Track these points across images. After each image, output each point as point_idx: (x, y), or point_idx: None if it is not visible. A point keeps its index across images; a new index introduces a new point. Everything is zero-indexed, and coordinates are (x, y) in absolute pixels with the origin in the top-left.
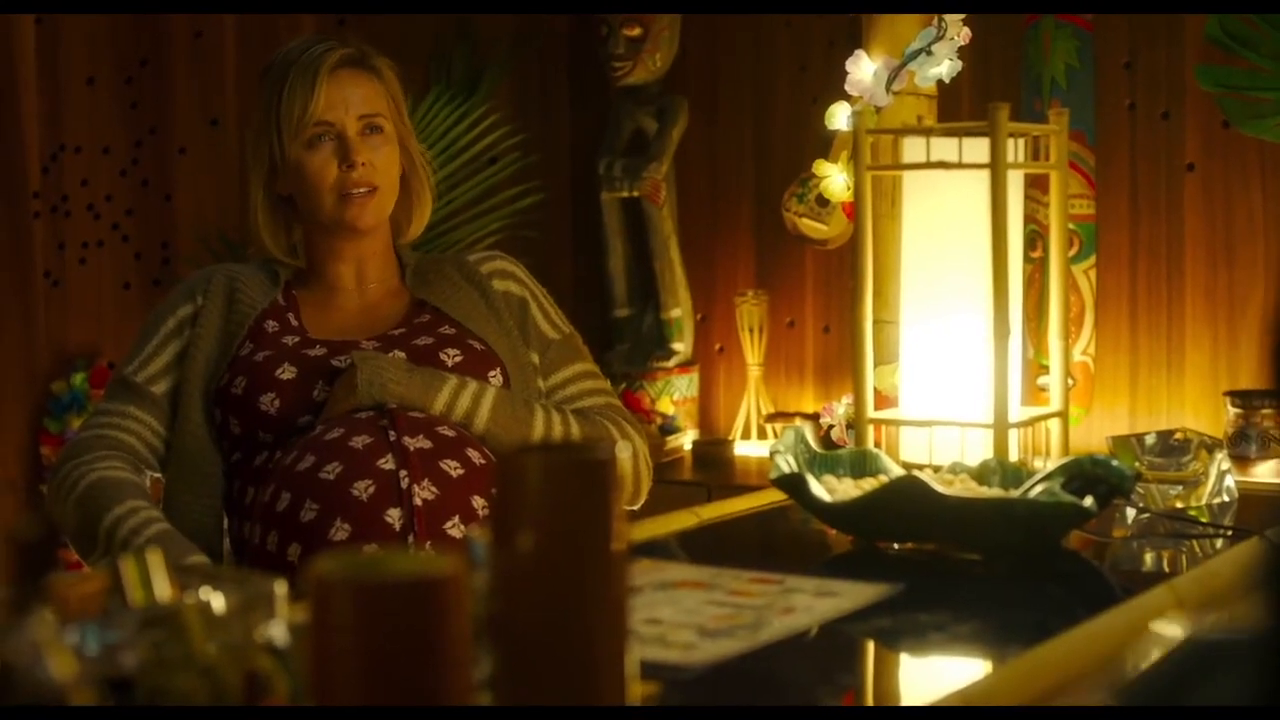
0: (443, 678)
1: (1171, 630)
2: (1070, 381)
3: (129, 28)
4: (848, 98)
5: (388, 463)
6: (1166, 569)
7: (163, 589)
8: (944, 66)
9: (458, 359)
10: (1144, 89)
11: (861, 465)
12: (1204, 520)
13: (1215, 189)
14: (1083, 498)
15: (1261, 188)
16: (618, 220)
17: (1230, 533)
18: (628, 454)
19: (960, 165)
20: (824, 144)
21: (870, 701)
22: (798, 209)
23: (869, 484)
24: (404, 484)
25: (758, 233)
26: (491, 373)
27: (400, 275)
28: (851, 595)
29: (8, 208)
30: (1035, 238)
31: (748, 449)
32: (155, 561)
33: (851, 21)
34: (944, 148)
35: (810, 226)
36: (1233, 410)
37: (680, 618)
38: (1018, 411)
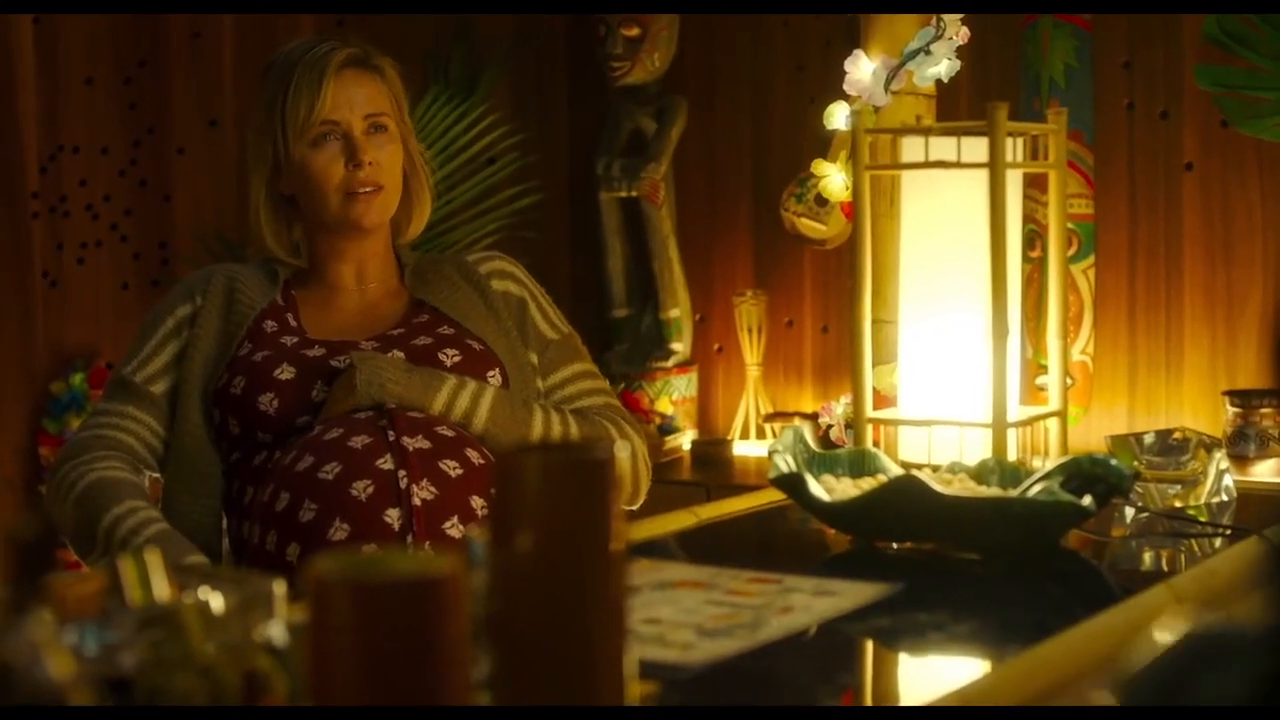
0: (441, 678)
1: (1170, 630)
2: (1069, 381)
3: (127, 28)
4: (846, 97)
5: (387, 463)
6: (1165, 568)
7: (161, 589)
8: (942, 66)
9: (456, 359)
10: (1142, 88)
11: (860, 465)
12: (1203, 519)
13: (1214, 188)
14: (1081, 497)
15: (1260, 187)
16: (616, 220)
17: (1229, 532)
18: (626, 454)
19: (959, 165)
20: (822, 144)
21: (869, 701)
22: (796, 209)
23: (868, 483)
24: (403, 484)
25: (756, 232)
26: (490, 373)
27: (399, 275)
28: (850, 595)
29: (6, 208)
30: (1034, 237)
31: (746, 449)
32: (154, 561)
33: (849, 21)
34: (942, 147)
35: (809, 226)
36: (1231, 409)
37: (679, 617)
38: (1016, 411)
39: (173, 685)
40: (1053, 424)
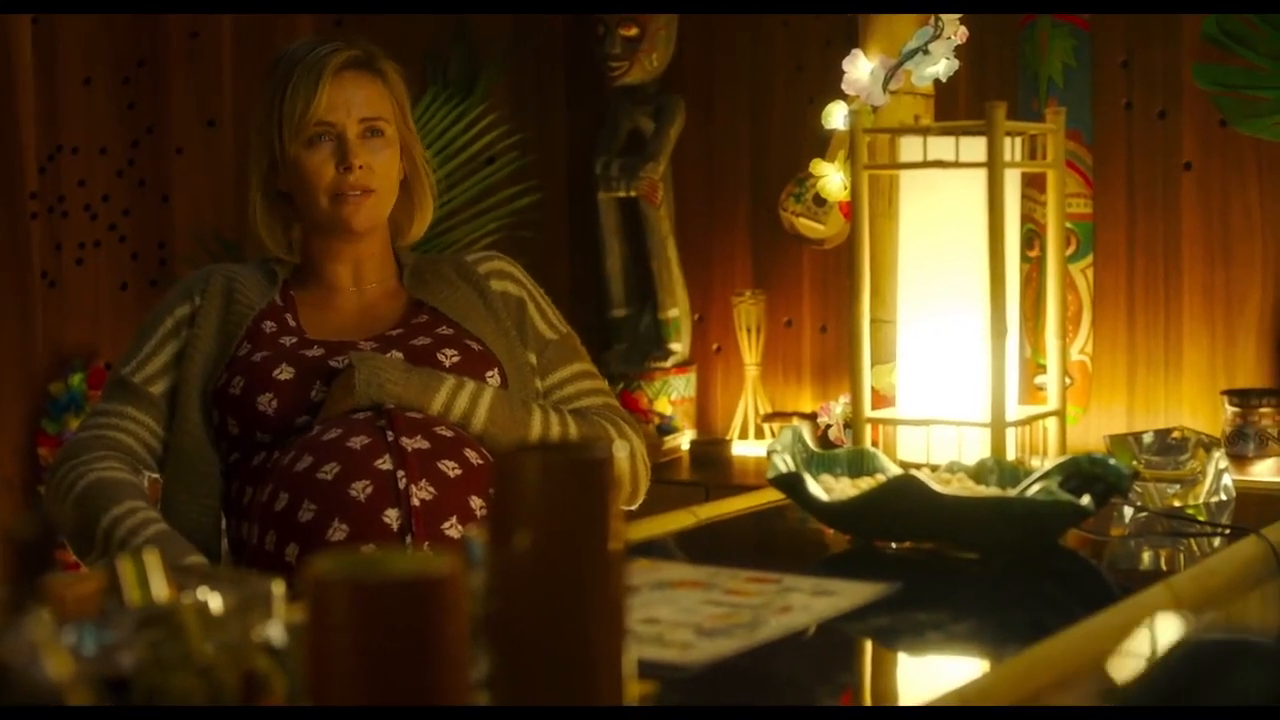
0: (440, 677)
1: (1170, 631)
2: (1068, 380)
3: (126, 28)
4: (844, 97)
5: (385, 463)
6: (1164, 568)
7: (160, 589)
8: (941, 66)
9: (455, 359)
10: (1141, 88)
11: (859, 464)
12: (1201, 519)
13: (1212, 188)
14: (1080, 496)
15: (1259, 186)
16: (615, 220)
17: (1228, 531)
18: (625, 454)
19: (957, 164)
20: (821, 143)
21: (868, 700)
22: (795, 208)
23: (866, 483)
24: (402, 484)
25: (755, 232)
26: (489, 373)
27: (398, 276)
28: (849, 594)
29: (5, 208)
30: (1032, 237)
31: (745, 449)
32: (153, 562)
33: (848, 21)
34: (941, 147)
35: (807, 226)
36: (1230, 409)
37: (678, 617)
38: (1015, 410)
39: (171, 685)
40: (1051, 423)
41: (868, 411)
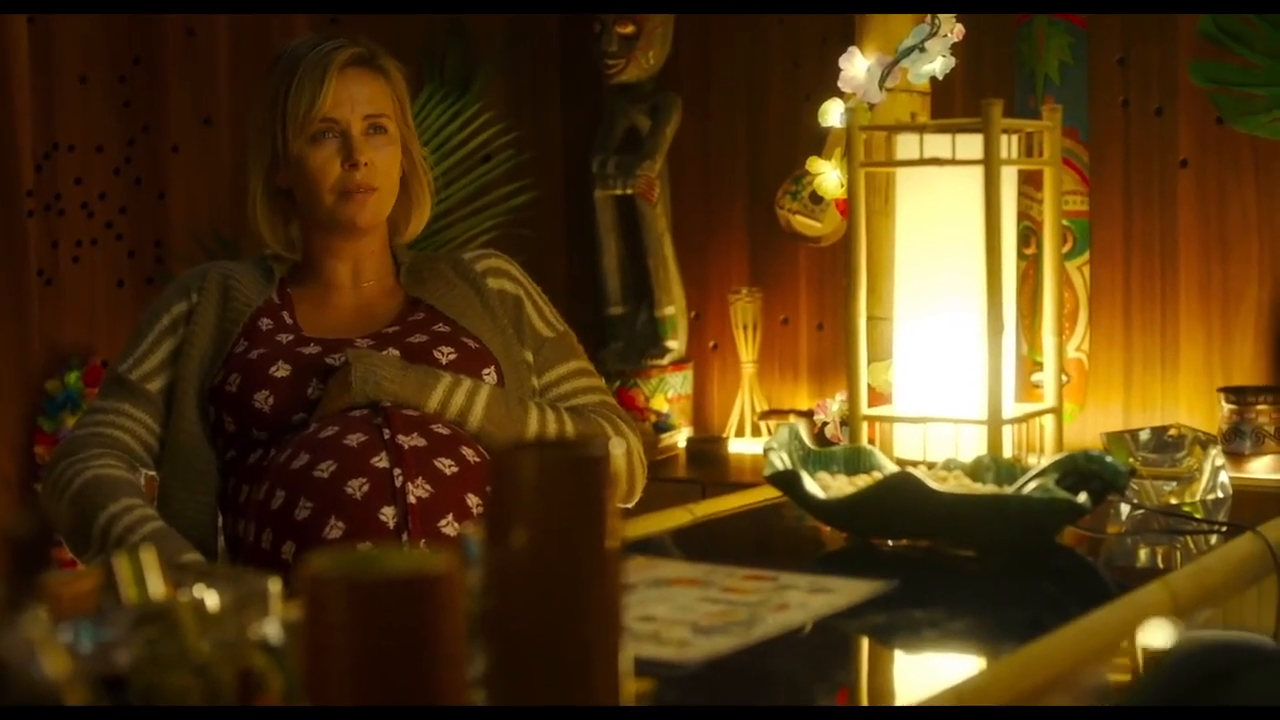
0: (437, 675)
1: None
2: (1064, 378)
3: (122, 26)
4: (841, 94)
5: (382, 461)
6: (1161, 565)
7: (156, 587)
8: (937, 63)
9: (452, 357)
10: (1137, 85)
11: (855, 462)
12: (1198, 516)
13: (1209, 185)
14: (1077, 494)
15: (1255, 183)
16: (611, 218)
17: (1224, 529)
18: (622, 451)
19: (954, 162)
20: (817, 141)
21: (864, 698)
22: (791, 206)
23: (863, 481)
24: (398, 482)
25: (751, 230)
26: (485, 370)
27: (395, 274)
28: (846, 592)
29: (1, 206)
30: (1029, 234)
31: (742, 446)
32: (149, 559)
33: (845, 18)
34: (937, 144)
35: (804, 223)
36: (1227, 406)
37: (674, 614)
38: (1012, 408)
39: (168, 683)
40: (1048, 421)
41: (864, 409)
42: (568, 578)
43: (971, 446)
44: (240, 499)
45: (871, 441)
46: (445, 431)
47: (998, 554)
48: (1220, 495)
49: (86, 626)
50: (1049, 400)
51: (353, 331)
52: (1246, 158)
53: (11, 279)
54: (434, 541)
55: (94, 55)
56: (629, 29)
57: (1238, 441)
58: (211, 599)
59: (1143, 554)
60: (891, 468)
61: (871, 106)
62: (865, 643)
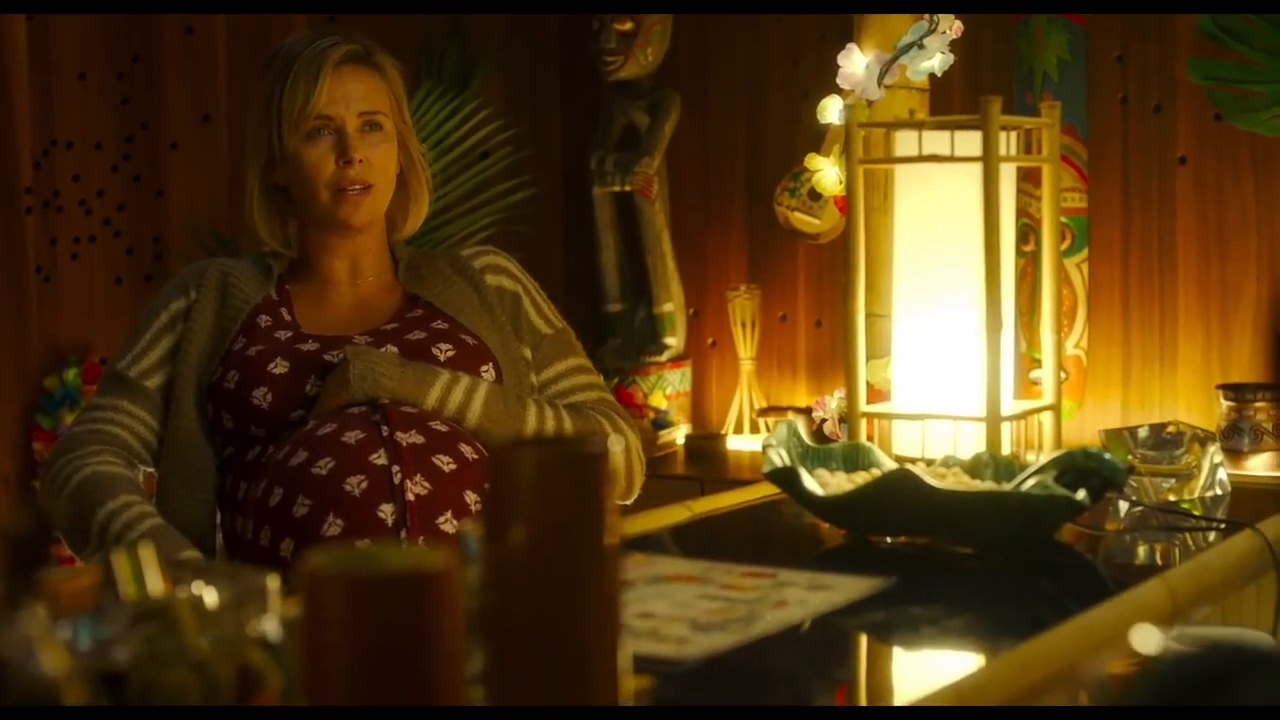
0: (435, 672)
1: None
2: (1063, 375)
3: (120, 24)
4: (839, 91)
5: (380, 458)
6: (1159, 562)
7: (155, 584)
8: (936, 60)
9: (450, 354)
10: (1136, 82)
11: (854, 459)
12: (1196, 513)
13: (1207, 182)
14: (1075, 491)
15: (1253, 181)
16: (610, 215)
17: (1223, 526)
18: (620, 448)
19: (952, 159)
20: (816, 138)
21: (863, 695)
22: (790, 203)
23: (861, 478)
24: (396, 479)
25: (750, 227)
26: (484, 367)
27: (394, 270)
28: (844, 589)
29: None
30: (1027, 231)
31: (740, 443)
32: (148, 556)
33: (843, 15)
34: (936, 141)
35: (802, 220)
36: (1225, 403)
37: (673, 611)
38: (1010, 405)
39: (166, 680)
40: (1046, 418)
41: (863, 406)
42: (566, 574)
43: (970, 443)
44: (239, 496)
45: (870, 438)
46: (444, 428)
47: (996, 551)
48: (1219, 492)
49: (85, 623)
50: (1047, 397)
51: (351, 328)
52: (1245, 155)
53: (10, 276)
54: (433, 539)
55: (93, 53)
56: (627, 26)
57: (1236, 439)
58: (210, 596)
59: (1141, 551)
60: (890, 465)
61: (870, 103)
62: (864, 640)
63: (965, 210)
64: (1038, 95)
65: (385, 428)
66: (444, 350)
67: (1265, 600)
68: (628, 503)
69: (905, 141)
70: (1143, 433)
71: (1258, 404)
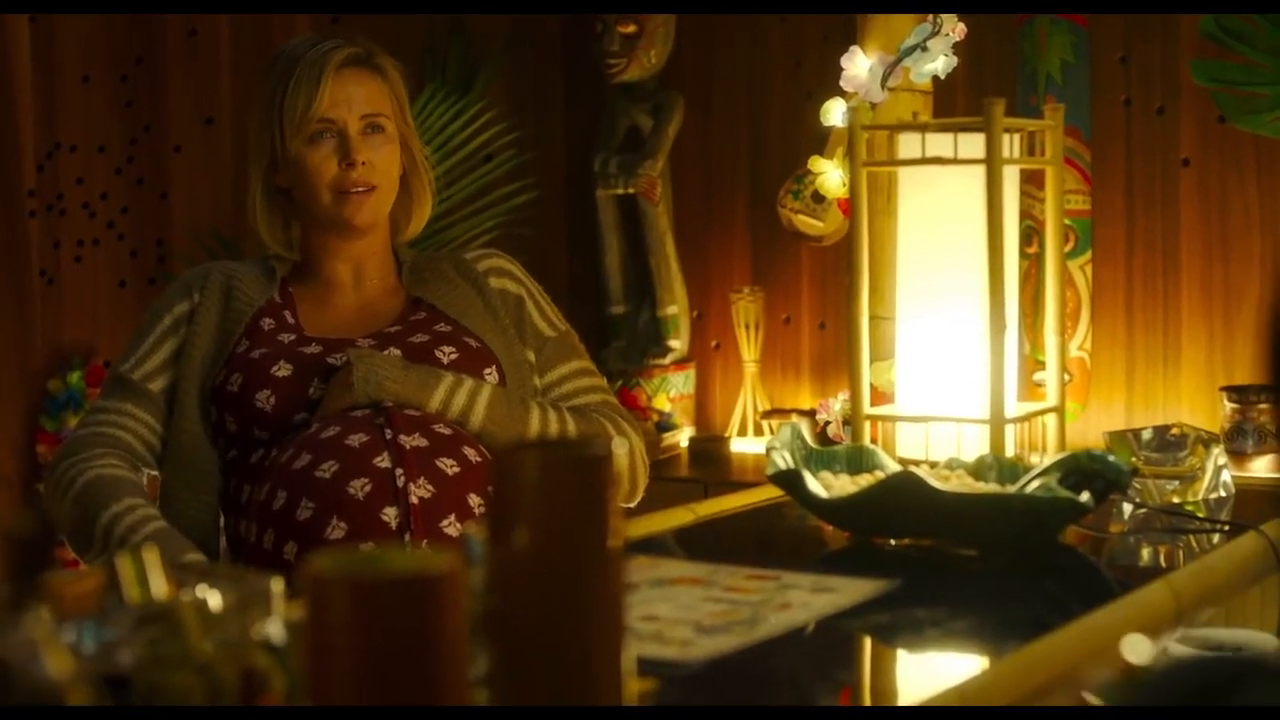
0: (439, 675)
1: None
2: (1066, 377)
3: (123, 26)
4: (843, 94)
5: (384, 461)
6: (1163, 564)
7: (159, 587)
8: (939, 62)
9: (453, 356)
10: (1139, 84)
11: (858, 461)
12: (1200, 515)
13: (1211, 184)
14: (1079, 493)
15: (1257, 182)
16: (613, 217)
17: (1227, 528)
18: (624, 451)
19: (956, 161)
20: (819, 140)
21: (867, 697)
22: (793, 205)
23: (865, 480)
24: (400, 482)
25: (753, 229)
26: (487, 370)
27: (397, 273)
28: (848, 591)
29: (3, 206)
30: (1031, 233)
31: (744, 446)
32: (152, 559)
33: (846, 17)
34: (939, 143)
35: (806, 223)
36: (1229, 405)
37: (677, 614)
38: (1014, 407)
39: (171, 683)
40: (1050, 420)
41: (866, 408)
42: (570, 577)
43: (974, 445)
44: (242, 499)
45: (874, 441)
46: (447, 431)
47: (1000, 553)
48: (1223, 494)
49: (89, 626)
50: (1051, 399)
51: (354, 331)
52: (1248, 157)
53: (13, 279)
54: (436, 542)
55: (96, 55)
56: (631, 28)
57: (1240, 440)
58: (214, 599)
59: (1145, 553)
60: (894, 467)
61: (873, 106)
62: (868, 642)
63: (969, 212)
64: (1041, 97)
65: (389, 431)
66: (447, 353)
67: (1269, 602)
68: (631, 505)
69: (908, 144)
70: (1146, 435)
71: (1261, 406)
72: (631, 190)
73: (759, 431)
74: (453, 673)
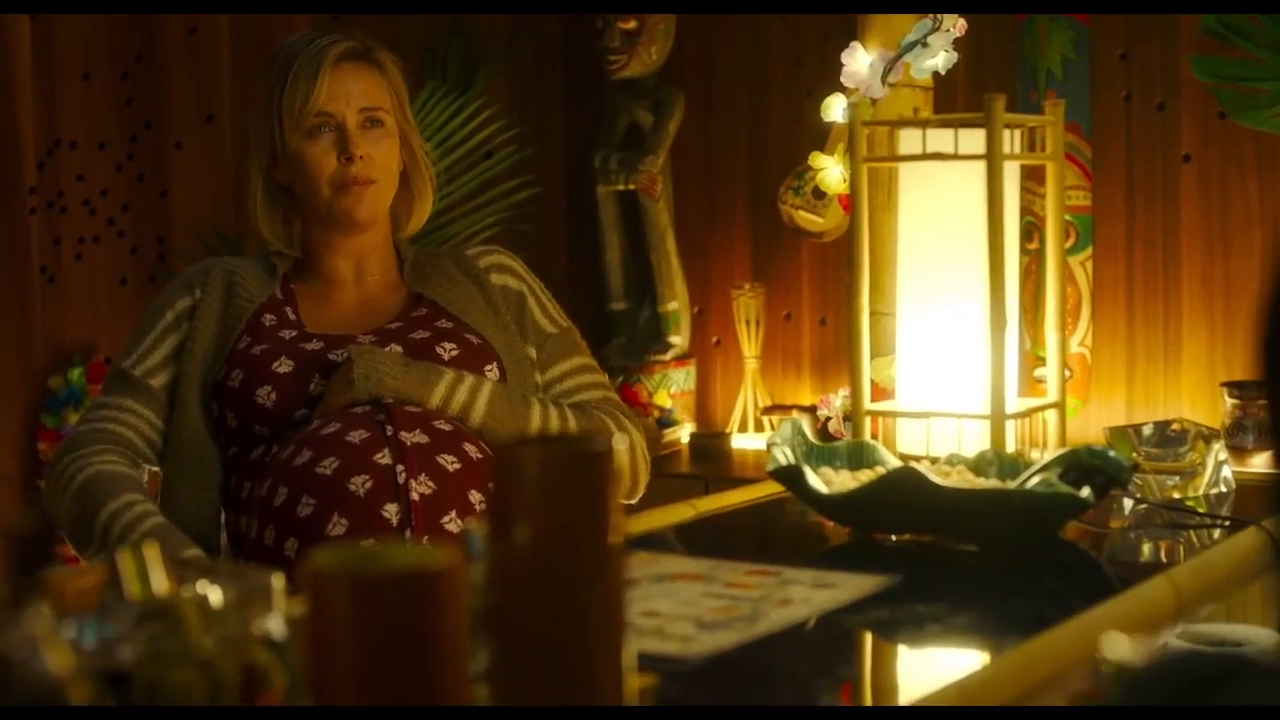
0: (440, 671)
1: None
2: (1067, 373)
3: (124, 24)
4: (843, 90)
5: (384, 457)
6: (1164, 560)
7: (160, 583)
8: (939, 58)
9: (454, 353)
10: (1140, 80)
11: (859, 457)
12: (1201, 511)
13: (1211, 180)
14: (1080, 489)
15: (1258, 178)
16: (614, 213)
17: (1227, 523)
18: (625, 447)
19: (956, 157)
20: (820, 136)
21: (868, 693)
22: (794, 201)
23: (866, 476)
24: (401, 479)
25: (754, 225)
26: (488, 367)
27: (398, 269)
28: (849, 587)
29: (3, 204)
30: (1031, 229)
31: (745, 442)
32: (152, 555)
33: (847, 15)
34: (940, 139)
35: (806, 219)
36: (1230, 401)
37: (678, 610)
38: (1015, 403)
39: (171, 679)
40: (1051, 416)
41: (867, 404)
42: (570, 573)
43: (974, 441)
44: (243, 495)
45: (874, 436)
46: (448, 428)
47: (1001, 549)
48: (1223, 490)
49: (90, 623)
50: (1052, 395)
51: (355, 327)
52: (1249, 152)
53: (14, 276)
54: (437, 538)
55: (96, 52)
56: (631, 25)
57: (1240, 436)
58: (215, 595)
59: (1146, 549)
60: (894, 463)
61: (874, 102)
62: (869, 638)
63: (969, 208)
64: (1042, 93)
65: (389, 427)
66: (448, 349)
67: (1270, 598)
68: (632, 501)
69: (909, 140)
70: (1147, 430)
71: (1262, 401)
72: (632, 186)
73: (760, 427)
74: (453, 669)
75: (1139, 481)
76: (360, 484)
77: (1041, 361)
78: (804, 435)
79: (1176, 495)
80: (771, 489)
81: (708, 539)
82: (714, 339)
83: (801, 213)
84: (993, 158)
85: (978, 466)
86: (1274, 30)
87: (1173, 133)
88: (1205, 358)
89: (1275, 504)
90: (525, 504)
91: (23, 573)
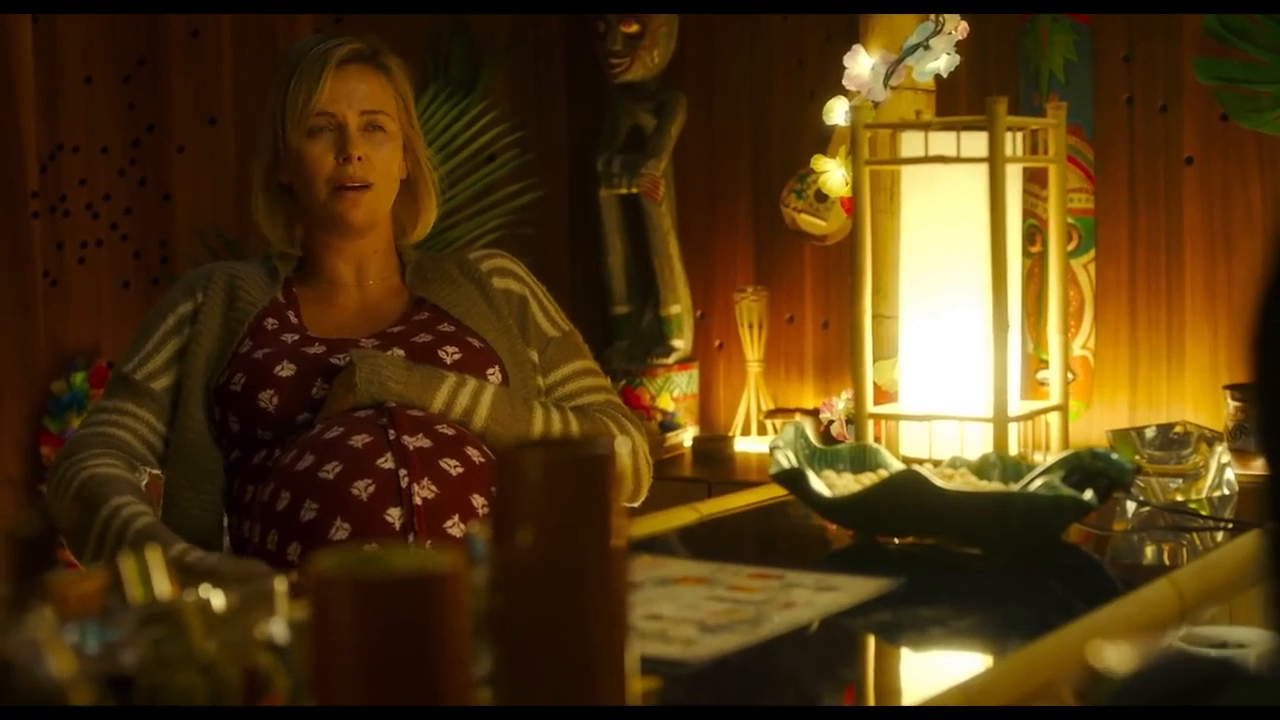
0: (442, 674)
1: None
2: (1070, 375)
3: (126, 27)
4: (845, 93)
5: (387, 462)
6: (1167, 562)
7: (162, 586)
8: (941, 61)
9: (456, 356)
10: (1142, 82)
11: (861, 460)
12: (1204, 513)
13: (1214, 182)
14: (1083, 491)
15: (1260, 180)
16: (616, 217)
17: (1230, 526)
18: (627, 450)
19: (958, 159)
20: (822, 139)
21: (871, 696)
22: (796, 204)
23: (869, 479)
24: (404, 483)
25: (756, 228)
26: (490, 370)
27: (400, 273)
28: (851, 590)
29: (6, 207)
30: (1034, 232)
31: (748, 445)
32: (155, 559)
33: (849, 16)
34: (942, 142)
35: (809, 222)
36: (1233, 403)
37: (680, 613)
38: (1017, 406)
39: (174, 683)
40: (1054, 418)
41: (870, 407)
42: (573, 576)
43: (977, 444)
44: (245, 500)
45: (877, 439)
46: (450, 432)
47: (1004, 552)
48: (1226, 492)
49: (92, 626)
50: (1055, 398)
51: (358, 331)
52: (1252, 154)
53: (17, 280)
54: (440, 542)
55: (98, 56)
56: (633, 28)
57: (1243, 438)
58: (217, 599)
59: (1149, 551)
60: (897, 466)
61: (876, 104)
62: (871, 641)
63: (971, 211)
64: (1044, 96)
65: (392, 431)
66: (450, 353)
67: (1268, 601)
68: (635, 505)
69: (911, 142)
70: (1150, 433)
71: None
72: (635, 190)
73: (762, 431)
74: (456, 672)
75: (1142, 484)
76: (363, 488)
77: (1044, 364)
78: (807, 438)
79: (1179, 498)
80: (774, 492)
81: (710, 542)
82: (716, 342)
83: (804, 216)
84: (995, 160)
85: (980, 469)
86: (1276, 32)
87: (1175, 135)
88: (1208, 360)
89: (1265, 506)
90: (528, 507)
91: (25, 576)
